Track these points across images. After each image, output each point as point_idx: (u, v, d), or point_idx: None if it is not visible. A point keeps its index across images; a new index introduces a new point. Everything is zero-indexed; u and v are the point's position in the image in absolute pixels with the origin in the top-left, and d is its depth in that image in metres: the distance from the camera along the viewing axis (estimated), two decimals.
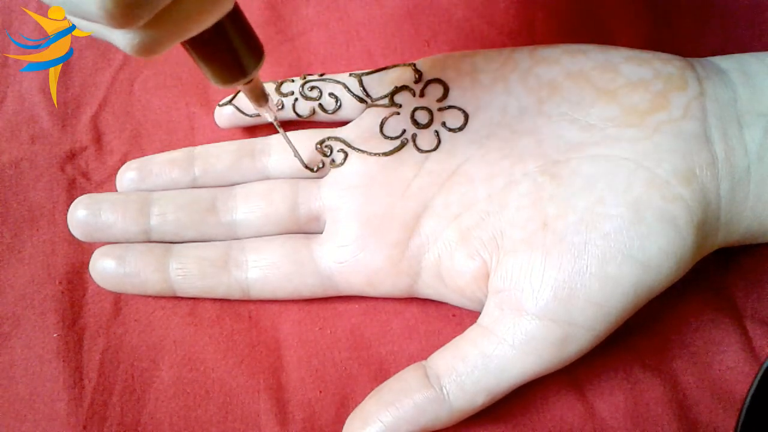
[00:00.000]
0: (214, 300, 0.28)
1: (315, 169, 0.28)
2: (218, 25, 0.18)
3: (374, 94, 0.28)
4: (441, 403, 0.23)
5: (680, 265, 0.23)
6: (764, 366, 0.22)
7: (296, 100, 0.29)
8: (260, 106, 0.24)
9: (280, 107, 0.29)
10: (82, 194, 0.28)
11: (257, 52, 0.21)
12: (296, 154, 0.27)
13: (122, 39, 0.16)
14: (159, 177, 0.28)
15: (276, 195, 0.27)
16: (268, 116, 0.24)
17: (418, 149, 0.26)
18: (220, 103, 0.29)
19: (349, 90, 0.28)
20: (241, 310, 0.28)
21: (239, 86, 0.21)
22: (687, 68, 0.25)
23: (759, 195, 0.23)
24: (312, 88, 0.28)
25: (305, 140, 0.28)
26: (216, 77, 0.20)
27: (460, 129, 0.26)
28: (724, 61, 0.25)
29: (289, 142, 0.26)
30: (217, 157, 0.28)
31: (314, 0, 0.33)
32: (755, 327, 0.26)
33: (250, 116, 0.29)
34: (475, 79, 0.26)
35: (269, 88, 0.29)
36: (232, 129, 0.30)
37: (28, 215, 0.30)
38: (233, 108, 0.29)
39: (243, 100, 0.29)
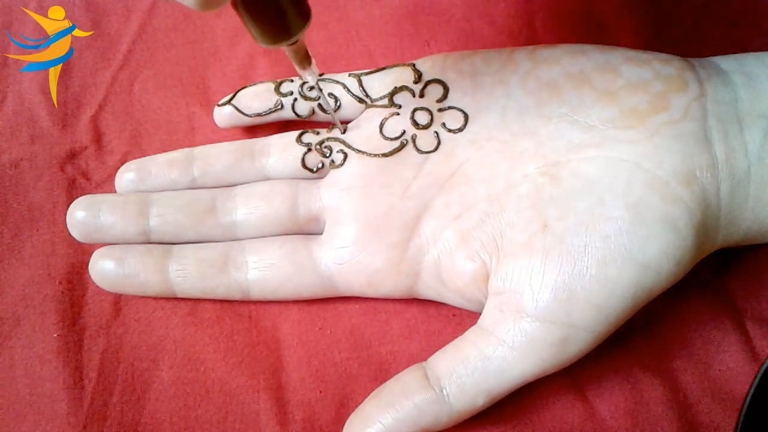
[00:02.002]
0: (214, 300, 0.28)
1: (315, 169, 0.28)
2: None
3: (374, 94, 0.28)
4: (441, 405, 0.23)
5: (680, 267, 0.23)
6: (764, 366, 0.22)
7: (295, 100, 0.28)
8: (303, 68, 0.23)
9: (279, 107, 0.29)
10: (82, 194, 0.28)
11: (305, 14, 0.21)
12: (330, 112, 0.27)
13: None
14: (158, 178, 0.28)
15: (275, 196, 0.27)
16: (311, 80, 0.24)
17: (418, 150, 0.26)
18: (219, 103, 0.29)
19: (348, 90, 0.28)
20: (241, 311, 0.28)
21: (283, 47, 0.21)
22: (687, 69, 0.25)
23: (759, 196, 0.23)
24: (311, 88, 0.28)
25: (305, 140, 0.28)
26: (263, 36, 0.20)
27: (460, 130, 0.26)
28: (725, 62, 0.25)
29: (326, 102, 0.27)
30: (216, 158, 0.28)
31: (314, 0, 0.33)
32: (755, 327, 0.26)
33: (250, 116, 0.29)
34: (476, 81, 0.26)
35: (268, 87, 0.29)
36: (231, 129, 0.30)
37: (28, 215, 0.30)
38: (232, 108, 0.29)
39: (242, 100, 0.29)
